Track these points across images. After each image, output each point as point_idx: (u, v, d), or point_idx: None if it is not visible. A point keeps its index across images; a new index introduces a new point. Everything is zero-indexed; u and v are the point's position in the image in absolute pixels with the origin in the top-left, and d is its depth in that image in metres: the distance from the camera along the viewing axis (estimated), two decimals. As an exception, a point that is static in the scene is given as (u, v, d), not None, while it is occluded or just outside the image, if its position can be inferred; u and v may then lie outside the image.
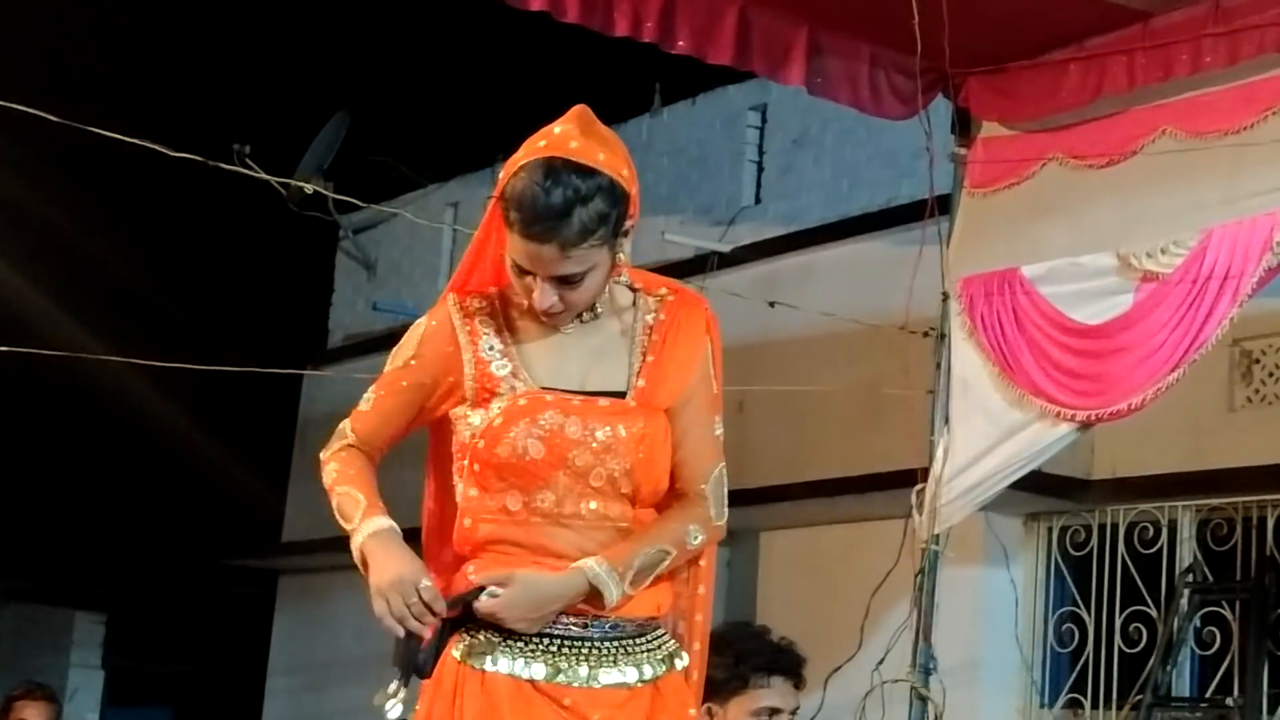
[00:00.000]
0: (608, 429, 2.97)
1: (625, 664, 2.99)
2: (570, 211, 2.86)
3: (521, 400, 2.96)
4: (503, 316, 3.04)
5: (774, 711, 4.10)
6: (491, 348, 3.01)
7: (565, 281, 2.92)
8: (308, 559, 12.04)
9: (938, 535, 6.10)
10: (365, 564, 2.91)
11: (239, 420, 12.65)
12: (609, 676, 2.96)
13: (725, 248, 9.41)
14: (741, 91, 9.79)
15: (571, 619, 2.96)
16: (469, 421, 2.99)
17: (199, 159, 5.06)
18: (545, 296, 2.92)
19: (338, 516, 3.00)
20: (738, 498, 9.48)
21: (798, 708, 4.19)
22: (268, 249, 12.96)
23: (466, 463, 2.98)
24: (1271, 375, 7.55)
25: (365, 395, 3.09)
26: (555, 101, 3.15)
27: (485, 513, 2.98)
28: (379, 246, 12.47)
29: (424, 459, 3.16)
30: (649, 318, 3.08)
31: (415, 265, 12.05)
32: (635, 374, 3.04)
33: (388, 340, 12.44)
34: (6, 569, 13.55)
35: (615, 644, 2.98)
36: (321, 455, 3.09)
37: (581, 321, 3.03)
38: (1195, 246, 5.48)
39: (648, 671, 3.01)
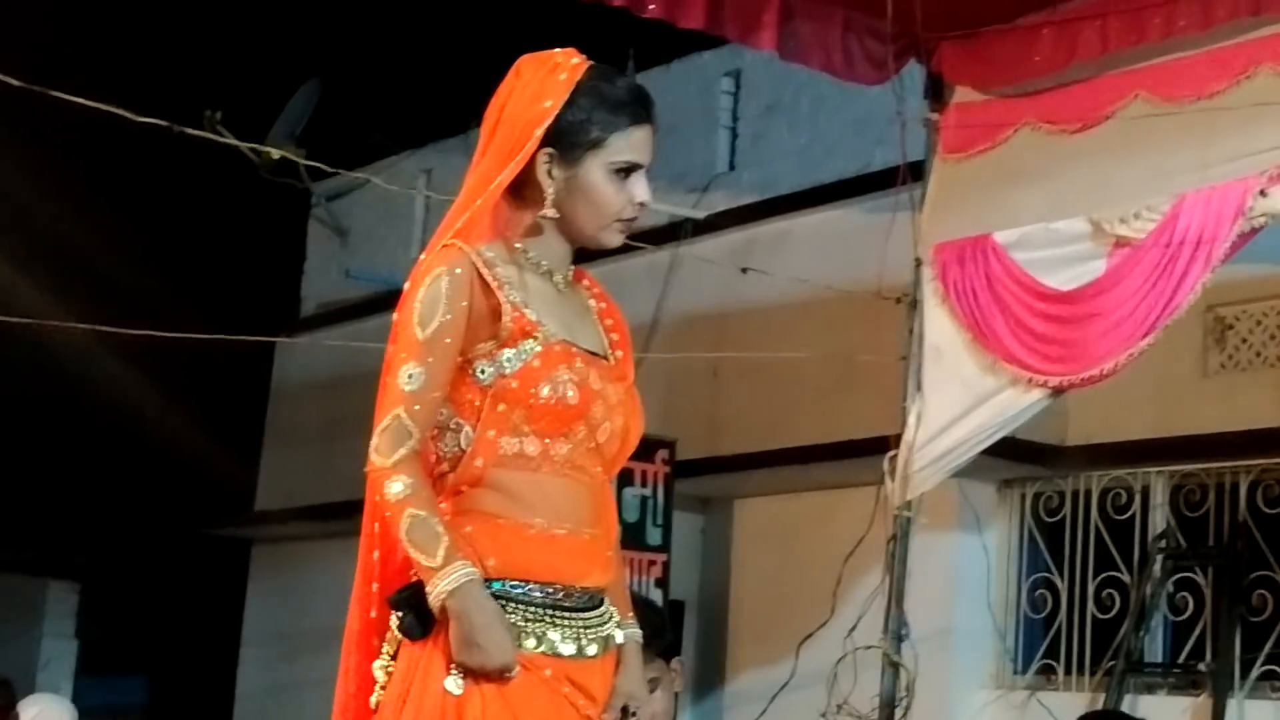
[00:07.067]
0: (614, 387, 3.02)
1: (596, 635, 2.98)
2: None
3: (556, 346, 2.94)
4: (513, 267, 3.00)
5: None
6: (512, 297, 2.95)
7: None
8: (281, 528, 12.01)
9: (910, 502, 6.10)
10: (445, 610, 2.82)
11: (211, 389, 12.59)
12: (591, 649, 2.96)
13: (699, 214, 9.39)
14: (716, 58, 9.76)
15: (560, 587, 2.93)
16: (498, 360, 2.92)
17: (164, 124, 5.01)
18: (648, 189, 3.02)
19: (405, 539, 2.84)
20: (712, 465, 9.46)
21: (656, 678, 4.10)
22: (239, 216, 12.88)
23: (486, 402, 2.92)
24: (1245, 341, 7.55)
25: (405, 371, 2.88)
26: (528, 68, 3.12)
27: (496, 456, 2.92)
28: (351, 214, 12.41)
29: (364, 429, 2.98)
30: (590, 301, 3.13)
31: (388, 233, 12.00)
32: (611, 345, 3.09)
33: (361, 308, 12.47)
34: (-21, 539, 13.50)
35: (585, 614, 2.97)
36: (379, 459, 2.88)
37: (566, 281, 3.06)
38: (1168, 212, 5.48)
39: (618, 636, 3.04)
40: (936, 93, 6.36)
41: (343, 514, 10.61)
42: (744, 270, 7.53)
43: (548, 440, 2.93)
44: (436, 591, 2.81)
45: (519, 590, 2.90)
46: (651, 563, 8.38)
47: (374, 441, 2.89)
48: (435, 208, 11.11)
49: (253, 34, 12.70)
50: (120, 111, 4.92)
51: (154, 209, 13.19)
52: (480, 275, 2.92)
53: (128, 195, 12.83)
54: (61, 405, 13.01)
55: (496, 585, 2.88)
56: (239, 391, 12.65)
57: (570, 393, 2.92)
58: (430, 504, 2.86)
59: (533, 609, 2.90)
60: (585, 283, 3.15)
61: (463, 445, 2.95)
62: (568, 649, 2.92)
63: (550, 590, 2.92)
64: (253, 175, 9.75)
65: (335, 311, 12.10)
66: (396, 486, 2.85)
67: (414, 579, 2.92)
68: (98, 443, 13.40)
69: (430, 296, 2.91)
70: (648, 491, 8.42)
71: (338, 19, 12.70)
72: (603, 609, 3.02)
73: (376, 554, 3.03)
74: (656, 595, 8.25)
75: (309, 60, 11.83)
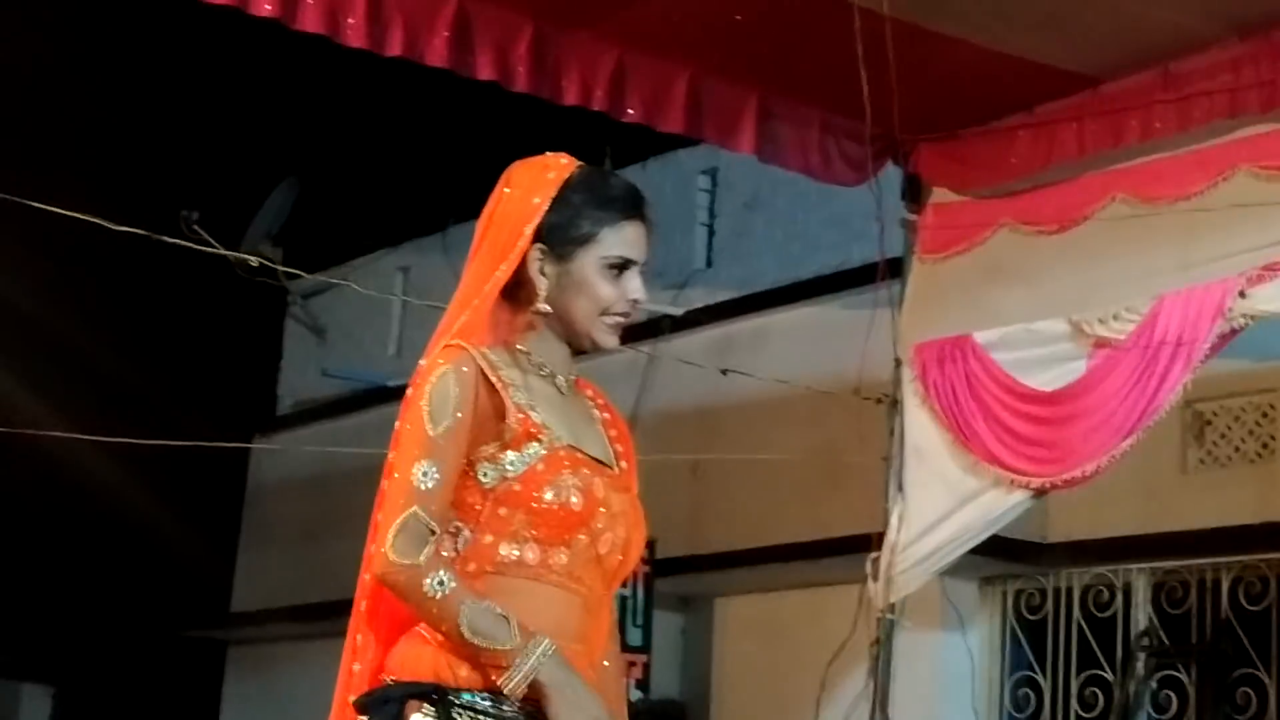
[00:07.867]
0: (619, 497, 2.96)
1: None
2: None
3: (562, 450, 2.89)
4: (517, 370, 2.95)
5: None
6: (518, 399, 2.91)
7: None
8: (257, 630, 11.91)
9: (894, 604, 6.07)
10: (540, 684, 2.77)
11: (188, 489, 12.51)
12: None
13: (678, 311, 9.39)
14: (692, 155, 9.80)
15: (533, 704, 2.82)
16: (501, 462, 2.87)
17: (142, 232, 5.01)
18: (642, 287, 2.99)
19: (467, 630, 2.76)
20: (693, 563, 9.38)
21: None
22: (216, 314, 12.86)
23: (487, 505, 2.87)
24: (1224, 437, 7.55)
25: (419, 469, 2.81)
26: (506, 165, 3.12)
27: (492, 563, 2.87)
28: (329, 312, 12.39)
29: (355, 526, 2.95)
30: (595, 411, 3.07)
31: (366, 330, 11.98)
32: (617, 455, 3.03)
33: (338, 406, 12.38)
34: (-48, 642, 13.36)
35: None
36: (401, 559, 2.77)
37: (569, 385, 3.02)
38: (1148, 313, 5.48)
39: None
40: (914, 193, 6.39)
41: (320, 615, 10.54)
42: (724, 372, 7.52)
43: (548, 549, 2.87)
44: (529, 665, 2.76)
45: (488, 703, 2.82)
46: (632, 663, 8.31)
47: (390, 541, 2.79)
48: (413, 305, 11.10)
49: (230, 132, 12.73)
50: (98, 220, 4.91)
51: (131, 307, 13.16)
52: (485, 375, 2.89)
53: (104, 293, 12.81)
54: (35, 507, 12.93)
55: (466, 696, 2.81)
56: (215, 490, 12.57)
57: (574, 498, 2.87)
58: (478, 593, 2.80)
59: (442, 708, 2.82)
60: (590, 393, 3.11)
61: (460, 549, 2.89)
62: None
63: (520, 708, 2.83)
64: (229, 273, 9.73)
65: (312, 410, 12.05)
66: (437, 582, 2.77)
67: (385, 682, 2.87)
68: (72, 543, 13.31)
69: (439, 394, 2.86)
70: (627, 591, 8.36)
71: (315, 118, 12.75)
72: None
73: (360, 638, 2.96)
74: (635, 696, 8.17)
75: (287, 158, 11.85)
